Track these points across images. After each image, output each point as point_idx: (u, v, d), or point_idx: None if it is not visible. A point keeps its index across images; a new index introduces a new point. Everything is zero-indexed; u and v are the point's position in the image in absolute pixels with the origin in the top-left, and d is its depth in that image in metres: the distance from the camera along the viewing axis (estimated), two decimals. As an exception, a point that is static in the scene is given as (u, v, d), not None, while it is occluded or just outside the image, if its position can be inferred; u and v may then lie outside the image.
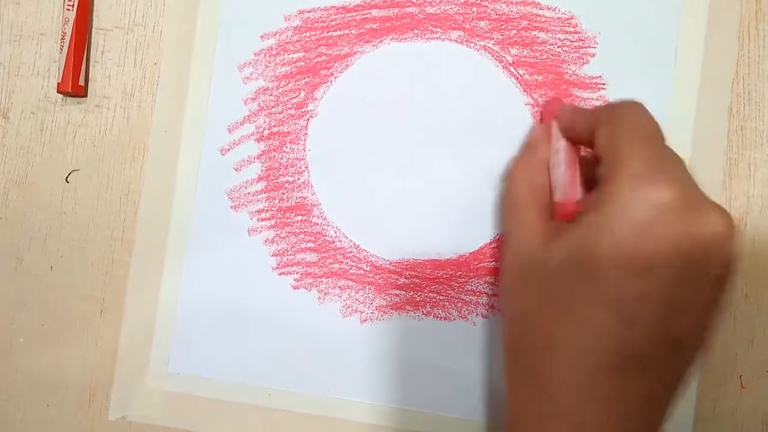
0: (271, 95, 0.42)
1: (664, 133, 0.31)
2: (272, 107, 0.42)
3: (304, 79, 0.42)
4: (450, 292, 0.41)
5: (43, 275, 0.44)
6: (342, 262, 0.42)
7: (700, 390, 0.39)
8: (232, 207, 0.42)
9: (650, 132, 0.31)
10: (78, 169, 0.44)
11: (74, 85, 0.42)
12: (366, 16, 0.42)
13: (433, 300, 0.41)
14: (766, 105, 0.39)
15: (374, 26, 0.42)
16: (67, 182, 0.44)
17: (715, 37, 0.39)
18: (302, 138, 0.42)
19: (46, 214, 0.44)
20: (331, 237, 0.42)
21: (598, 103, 0.40)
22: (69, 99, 0.44)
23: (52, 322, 0.44)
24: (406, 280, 0.41)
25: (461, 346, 0.40)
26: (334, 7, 0.42)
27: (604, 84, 0.40)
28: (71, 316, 0.43)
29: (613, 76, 0.40)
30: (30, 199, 0.44)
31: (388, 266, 0.41)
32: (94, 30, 0.44)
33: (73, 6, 0.42)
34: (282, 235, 0.42)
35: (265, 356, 0.42)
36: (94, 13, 0.44)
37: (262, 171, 0.42)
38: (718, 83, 0.39)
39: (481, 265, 0.41)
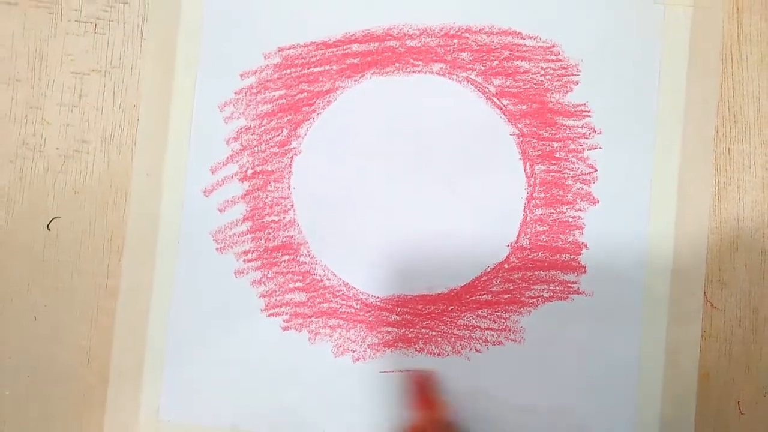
0: (253, 134, 0.42)
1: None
2: (255, 146, 0.42)
3: (287, 116, 0.42)
4: (442, 327, 0.40)
5: (26, 325, 0.43)
6: (331, 301, 0.41)
7: (698, 417, 0.38)
8: (217, 249, 0.42)
9: None
10: (59, 216, 0.43)
11: None
12: (346, 51, 0.41)
13: (426, 336, 0.40)
14: (752, 127, 0.39)
15: (355, 61, 0.41)
16: (49, 230, 0.43)
17: (698, 60, 0.39)
18: (286, 176, 0.42)
19: (28, 263, 0.43)
20: (320, 276, 0.41)
21: (584, 131, 0.40)
22: (48, 144, 0.43)
23: (37, 373, 0.43)
24: (398, 317, 0.41)
25: (455, 382, 0.40)
26: (314, 43, 0.41)
27: (588, 111, 0.40)
28: (58, 366, 0.43)
29: (598, 104, 0.40)
30: (10, 247, 0.43)
31: (378, 303, 0.41)
32: (70, 74, 0.43)
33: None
34: (269, 276, 0.41)
35: (257, 399, 0.41)
36: (70, 57, 0.43)
37: (246, 211, 0.42)
38: (703, 106, 0.39)
39: (473, 298, 0.40)
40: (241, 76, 0.42)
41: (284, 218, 0.41)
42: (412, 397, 0.39)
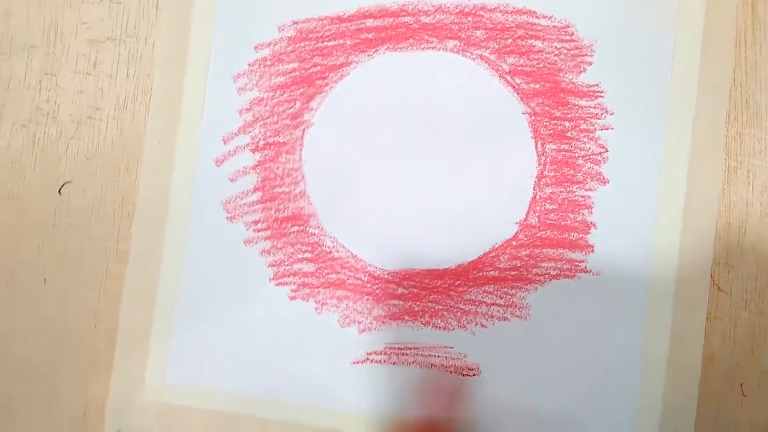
0: (266, 106, 0.42)
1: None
2: (267, 117, 0.42)
3: (300, 89, 0.42)
4: (449, 301, 0.40)
5: (36, 289, 0.43)
6: (339, 272, 0.41)
7: (701, 399, 0.39)
8: (227, 218, 0.42)
9: None
10: (71, 182, 0.43)
11: None
12: (361, 26, 0.41)
13: (432, 310, 0.40)
14: (764, 112, 0.39)
15: (369, 36, 0.41)
16: (60, 195, 0.43)
17: (712, 44, 0.39)
18: (298, 148, 0.42)
19: (39, 227, 0.43)
20: (328, 247, 0.41)
21: (596, 112, 0.40)
22: (61, 111, 0.43)
23: (46, 336, 0.43)
24: (405, 290, 0.41)
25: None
26: (329, 17, 0.42)
27: (601, 92, 0.40)
28: (65, 330, 0.43)
29: (611, 84, 0.40)
30: (22, 211, 0.43)
31: (386, 276, 0.41)
32: (86, 41, 0.43)
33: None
34: (278, 246, 0.42)
35: (262, 367, 0.41)
36: (85, 25, 0.43)
37: (257, 181, 0.42)
38: (715, 90, 0.39)
39: (480, 274, 0.40)
40: (256, 47, 0.42)
41: (295, 189, 0.42)
42: (434, 398, 0.40)
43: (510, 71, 0.41)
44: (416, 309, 0.40)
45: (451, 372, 0.40)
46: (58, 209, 0.43)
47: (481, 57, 0.41)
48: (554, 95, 0.40)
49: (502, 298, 0.40)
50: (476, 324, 0.40)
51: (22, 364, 0.43)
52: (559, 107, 0.40)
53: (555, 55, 0.40)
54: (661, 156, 0.39)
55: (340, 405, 0.41)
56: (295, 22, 0.42)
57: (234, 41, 0.42)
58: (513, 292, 0.40)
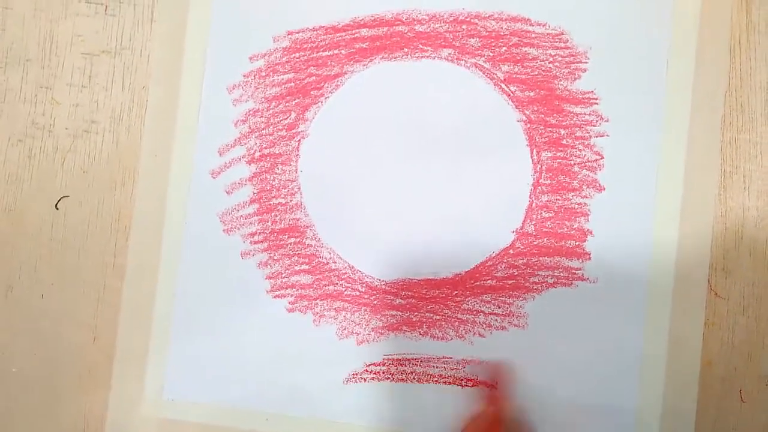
0: (261, 117, 0.42)
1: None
2: (263, 129, 0.42)
3: (295, 99, 0.42)
4: (446, 311, 0.40)
5: (34, 303, 0.43)
6: (337, 283, 0.41)
7: (700, 405, 0.38)
8: (224, 230, 0.42)
9: None
10: (67, 196, 0.43)
11: None
12: (355, 35, 0.41)
13: (430, 320, 0.40)
14: (759, 117, 0.39)
15: (364, 45, 0.41)
16: (57, 209, 0.43)
17: (707, 49, 0.39)
18: (294, 159, 0.42)
19: (36, 242, 0.43)
20: (326, 258, 0.41)
21: (591, 119, 0.40)
22: (57, 124, 0.43)
23: (44, 351, 0.43)
24: (402, 301, 0.41)
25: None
26: (323, 27, 0.42)
27: (596, 99, 0.40)
28: (64, 344, 0.43)
29: (606, 91, 0.40)
30: (19, 226, 0.43)
31: (383, 287, 0.41)
32: (80, 55, 0.43)
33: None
34: (275, 258, 0.42)
35: (261, 380, 0.41)
36: (80, 38, 0.43)
37: (253, 193, 0.42)
38: (710, 96, 0.39)
39: (477, 283, 0.40)
40: (250, 59, 0.42)
41: (291, 201, 0.42)
42: (481, 389, 0.40)
43: (505, 79, 0.40)
44: (414, 319, 0.40)
45: (449, 383, 0.40)
46: (55, 223, 0.43)
47: (476, 65, 0.41)
48: (549, 103, 0.40)
49: (499, 307, 0.40)
50: (474, 333, 0.40)
51: (20, 378, 0.43)
52: (554, 115, 0.40)
53: (549, 63, 0.40)
54: (657, 162, 0.39)
55: (339, 417, 0.41)
56: (290, 33, 0.42)
57: (229, 52, 0.42)
58: (510, 300, 0.40)
